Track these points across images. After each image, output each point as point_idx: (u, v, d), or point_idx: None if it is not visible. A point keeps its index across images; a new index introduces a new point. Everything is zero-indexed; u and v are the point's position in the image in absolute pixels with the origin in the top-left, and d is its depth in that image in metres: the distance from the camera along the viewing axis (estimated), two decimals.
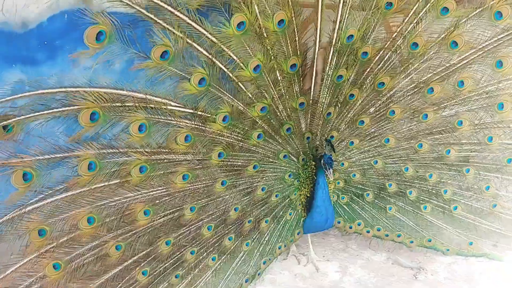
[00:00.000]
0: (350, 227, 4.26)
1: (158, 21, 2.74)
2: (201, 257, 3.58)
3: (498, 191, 4.11)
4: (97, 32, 2.59)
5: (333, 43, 3.39)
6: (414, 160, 4.01)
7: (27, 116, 2.62)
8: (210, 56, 2.98)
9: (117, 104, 2.83)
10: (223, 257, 3.69)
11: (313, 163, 3.91)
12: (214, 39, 2.94)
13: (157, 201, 3.25)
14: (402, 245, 4.39)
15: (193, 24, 2.83)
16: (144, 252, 3.31)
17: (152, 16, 2.71)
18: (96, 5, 2.84)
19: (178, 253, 3.46)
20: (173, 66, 2.91)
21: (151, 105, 2.93)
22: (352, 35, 3.37)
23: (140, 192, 3.16)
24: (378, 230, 4.24)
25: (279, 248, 4.04)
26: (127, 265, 3.25)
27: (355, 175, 4.09)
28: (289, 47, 3.29)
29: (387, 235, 4.26)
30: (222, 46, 2.98)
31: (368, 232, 4.27)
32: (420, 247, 4.32)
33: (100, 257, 3.14)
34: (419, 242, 4.27)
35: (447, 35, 3.46)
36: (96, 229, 3.06)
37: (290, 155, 3.81)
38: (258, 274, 3.95)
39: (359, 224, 4.24)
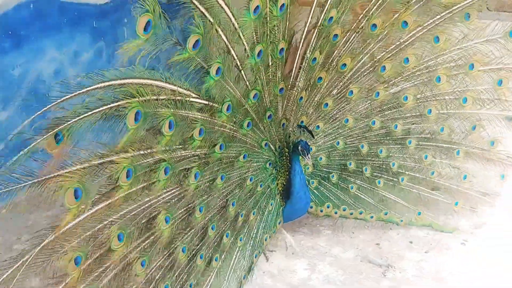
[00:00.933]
0: (321, 211, 4.34)
1: (199, 6, 2.59)
2: (205, 260, 3.37)
3: (435, 158, 4.48)
4: (146, 21, 2.35)
5: (319, 24, 3.48)
6: (367, 138, 4.24)
7: (78, 118, 2.25)
8: (228, 44, 2.91)
9: (153, 98, 2.57)
10: (223, 256, 3.53)
11: (287, 150, 3.93)
12: (237, 25, 2.88)
13: (168, 204, 3.00)
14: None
15: (225, 7, 2.73)
16: (165, 265, 3.04)
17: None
18: None
19: (191, 259, 3.24)
20: (199, 57, 2.77)
21: (178, 97, 2.72)
22: (332, 17, 3.50)
23: (157, 199, 2.90)
24: (344, 210, 4.38)
25: (265, 240, 3.97)
26: (150, 282, 2.95)
27: (321, 158, 4.20)
28: (281, 31, 3.31)
29: (351, 214, 4.41)
30: (240, 33, 2.94)
31: (335, 213, 4.38)
32: (378, 220, 4.53)
33: (127, 278, 2.80)
34: (377, 217, 4.48)
35: (400, 15, 3.77)
36: (126, 246, 2.72)
37: (270, 143, 3.79)
38: (252, 269, 3.83)
39: (328, 207, 4.33)
